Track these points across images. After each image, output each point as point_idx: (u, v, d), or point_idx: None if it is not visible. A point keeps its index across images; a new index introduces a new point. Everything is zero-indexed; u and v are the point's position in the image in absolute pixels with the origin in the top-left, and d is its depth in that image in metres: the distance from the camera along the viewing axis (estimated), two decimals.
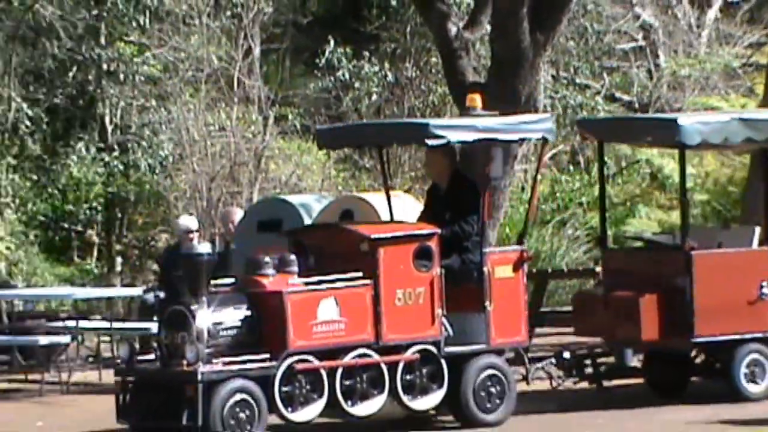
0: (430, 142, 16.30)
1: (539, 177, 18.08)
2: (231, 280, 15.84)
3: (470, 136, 16.64)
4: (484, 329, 15.61)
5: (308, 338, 14.77)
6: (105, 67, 25.36)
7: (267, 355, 14.62)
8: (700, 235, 17.73)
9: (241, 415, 14.46)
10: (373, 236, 15.37)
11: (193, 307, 14.65)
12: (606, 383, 17.83)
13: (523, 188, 26.36)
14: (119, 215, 26.37)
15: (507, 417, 15.66)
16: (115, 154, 25.80)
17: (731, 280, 16.86)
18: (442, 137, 16.24)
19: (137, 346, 18.03)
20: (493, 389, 15.56)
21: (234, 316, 14.85)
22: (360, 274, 15.10)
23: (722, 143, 18.39)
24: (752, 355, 16.76)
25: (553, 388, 17.37)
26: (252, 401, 14.49)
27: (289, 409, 14.67)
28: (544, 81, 22.71)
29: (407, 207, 18.88)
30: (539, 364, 17.14)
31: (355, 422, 15.27)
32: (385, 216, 18.10)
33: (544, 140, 17.09)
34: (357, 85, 27.42)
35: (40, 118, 24.63)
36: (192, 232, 19.89)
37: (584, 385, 17.81)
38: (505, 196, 21.64)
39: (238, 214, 20.24)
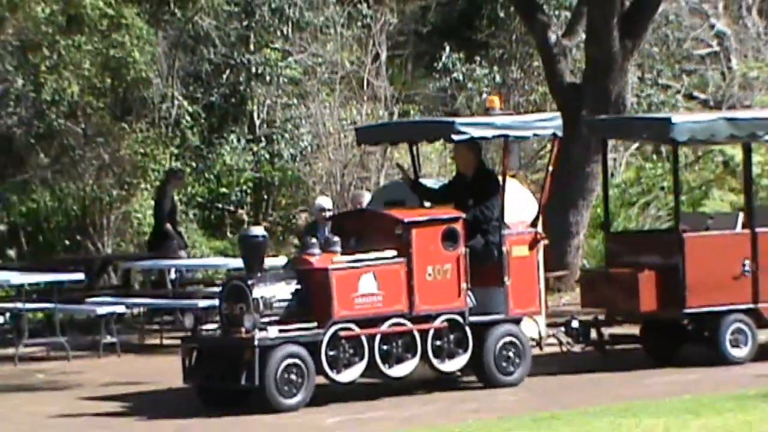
0: (456, 138, 16.19)
1: (551, 168, 17.54)
2: (284, 259, 15.72)
3: (490, 133, 16.64)
4: (503, 301, 15.48)
5: (350, 309, 14.66)
6: (254, 70, 25.46)
7: (315, 324, 14.51)
8: (691, 220, 17.52)
9: (293, 376, 14.37)
10: (406, 220, 15.23)
11: (250, 282, 14.61)
12: (608, 348, 17.55)
13: (612, 174, 25.85)
14: (265, 197, 26.51)
15: (523, 378, 15.51)
16: (262, 144, 26.03)
17: (717, 259, 16.66)
18: (466, 134, 16.14)
19: None
20: (511, 353, 15.46)
21: (286, 289, 14.71)
22: (395, 252, 14.96)
23: (709, 139, 18.30)
24: (736, 324, 16.50)
25: (563, 353, 17.17)
26: (302, 364, 14.38)
27: (334, 371, 14.56)
28: (631, 82, 23.02)
29: (513, 188, 18.62)
30: (551, 332, 16.95)
31: (391, 383, 15.12)
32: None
33: (555, 136, 16.82)
34: (469, 85, 27.47)
35: (198, 113, 24.83)
36: (326, 210, 19.56)
37: (590, 350, 17.54)
38: (597, 182, 21.65)
39: (366, 197, 20.17)
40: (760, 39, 29.33)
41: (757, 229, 16.92)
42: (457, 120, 17.20)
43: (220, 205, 24.85)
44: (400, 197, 18.24)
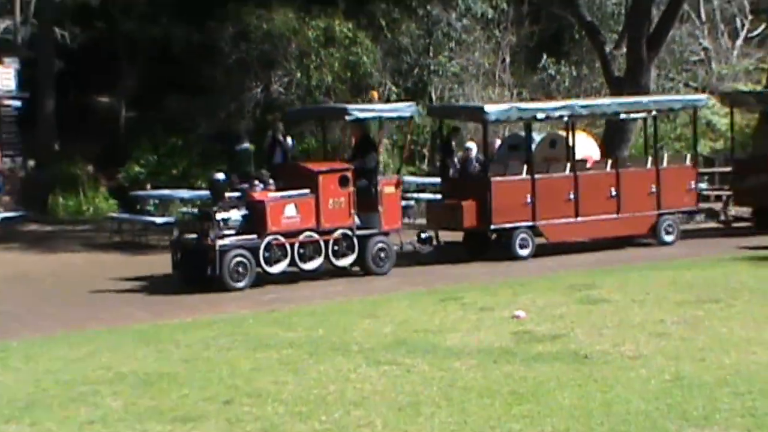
0: (348, 118, 15.92)
1: (409, 137, 17.44)
2: (238, 193, 15.08)
3: (370, 115, 16.41)
4: (378, 221, 15.40)
5: (279, 226, 14.46)
6: (432, 68, 25.26)
7: (256, 236, 14.24)
8: (497, 167, 17.06)
9: (240, 269, 14.17)
10: (315, 170, 15.07)
11: (213, 209, 14.34)
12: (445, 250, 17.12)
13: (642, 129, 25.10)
14: (437, 141, 26.52)
15: (390, 269, 15.38)
16: None
17: (511, 194, 16.43)
18: (354, 115, 15.86)
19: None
20: (382, 254, 15.36)
21: (238, 214, 14.45)
22: (309, 191, 14.75)
23: (506, 120, 17.95)
24: (522, 235, 16.48)
25: (416, 253, 16.80)
26: (247, 261, 14.18)
27: (268, 265, 14.35)
28: (653, 76, 22.66)
29: (581, 139, 18.87)
30: (408, 240, 16.69)
31: (305, 273, 14.81)
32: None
33: (411, 117, 16.69)
34: (557, 77, 27.07)
35: (400, 93, 24.14)
36: (472, 150, 18.56)
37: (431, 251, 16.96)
38: (630, 137, 21.52)
39: (497, 142, 20.17)
40: (728, 51, 29.75)
41: (535, 176, 16.67)
42: (349, 107, 16.81)
43: (412, 147, 24.19)
44: (517, 143, 19.02)
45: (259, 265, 14.26)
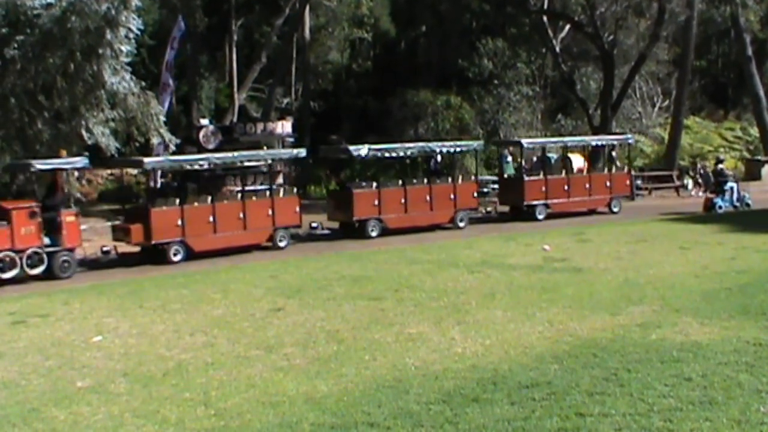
0: (33, 170, 16.91)
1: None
2: None
3: (49, 167, 16.96)
4: (62, 241, 16.68)
5: None
6: (500, 121, 35.47)
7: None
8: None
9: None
10: (9, 207, 16.34)
11: None
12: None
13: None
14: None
15: (73, 274, 16.68)
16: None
17: (166, 219, 17.75)
18: (37, 168, 16.79)
19: None
20: (65, 264, 16.65)
21: None
22: (6, 222, 16.04)
23: (172, 169, 19.85)
24: (175, 247, 17.79)
25: (106, 256, 18.33)
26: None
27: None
28: (613, 126, 31.90)
29: (576, 159, 26.10)
30: (93, 252, 18.04)
31: (5, 282, 15.85)
32: None
33: (84, 167, 17.89)
34: (564, 125, 36.95)
35: (484, 135, 33.54)
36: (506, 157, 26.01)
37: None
38: (600, 158, 28.45)
39: (534, 158, 27.54)
40: (651, 113, 39.84)
41: (184, 206, 18.02)
42: (33, 162, 17.15)
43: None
44: (543, 160, 24.40)
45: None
